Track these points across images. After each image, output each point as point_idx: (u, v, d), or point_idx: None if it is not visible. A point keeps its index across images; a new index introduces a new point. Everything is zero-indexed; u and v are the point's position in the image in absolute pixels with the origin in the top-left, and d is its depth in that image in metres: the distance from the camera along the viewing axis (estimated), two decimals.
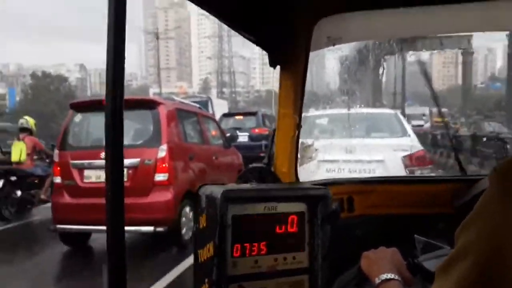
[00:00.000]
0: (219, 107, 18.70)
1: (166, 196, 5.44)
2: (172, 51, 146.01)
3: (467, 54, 51.92)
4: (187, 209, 5.83)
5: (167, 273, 4.88)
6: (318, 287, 1.08)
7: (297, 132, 1.58)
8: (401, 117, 6.47)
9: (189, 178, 5.92)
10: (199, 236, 0.99)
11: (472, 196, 1.45)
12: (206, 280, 0.95)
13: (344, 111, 6.30)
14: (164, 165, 5.44)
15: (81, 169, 5.60)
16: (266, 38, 1.50)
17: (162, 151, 5.46)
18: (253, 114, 14.77)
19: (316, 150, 5.77)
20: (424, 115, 35.16)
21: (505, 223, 0.63)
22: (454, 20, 1.70)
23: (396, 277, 1.01)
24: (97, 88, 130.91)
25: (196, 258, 0.99)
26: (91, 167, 5.56)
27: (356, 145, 5.38)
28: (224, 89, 72.94)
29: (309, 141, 5.88)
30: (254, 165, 1.46)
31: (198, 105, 7.77)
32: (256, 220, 1.01)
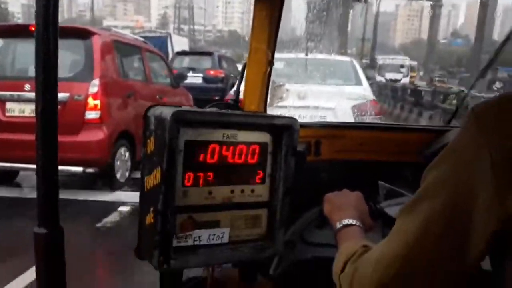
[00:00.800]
0: (179, 45, 17.78)
1: (97, 135, 4.99)
2: None
3: (437, 7, 51.13)
4: (122, 150, 5.43)
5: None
6: (277, 222, 1.03)
7: (269, 68, 1.50)
8: (357, 65, 6.39)
9: (126, 118, 5.47)
10: (146, 162, 0.90)
11: (440, 146, 1.39)
12: (152, 209, 0.88)
13: (301, 55, 6.40)
14: (95, 102, 4.94)
15: (2, 101, 5.03)
16: None
17: (94, 86, 4.95)
18: (209, 54, 13.93)
19: (287, 90, 5.29)
20: (402, 66, 32.81)
21: (477, 161, 0.63)
22: None
23: (357, 223, 0.98)
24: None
25: (142, 186, 0.92)
26: (14, 99, 4.99)
27: (309, 91, 5.27)
28: (183, 26, 68.96)
29: (280, 81, 5.50)
30: (221, 101, 1.42)
31: (143, 39, 7.11)
32: (213, 147, 0.92)
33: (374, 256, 0.73)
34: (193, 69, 12.58)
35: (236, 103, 1.34)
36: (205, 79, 12.54)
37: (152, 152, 0.89)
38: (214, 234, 0.95)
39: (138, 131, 5.68)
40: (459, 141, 0.67)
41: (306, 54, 6.50)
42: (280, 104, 4.90)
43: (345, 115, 5.16)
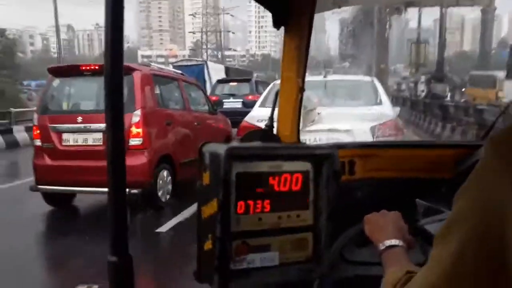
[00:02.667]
0: (215, 72, 18.57)
1: (140, 160, 5.50)
2: (165, 12, 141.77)
3: (489, 12, 45.08)
4: (164, 173, 5.91)
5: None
6: (322, 244, 1.07)
7: (300, 95, 1.56)
8: (378, 84, 6.22)
9: (166, 143, 5.97)
10: (202, 193, 0.96)
11: (474, 161, 1.42)
12: (210, 235, 0.93)
13: (320, 78, 6.35)
14: (138, 130, 5.48)
15: (59, 132, 5.67)
16: None
17: (136, 116, 5.49)
18: (247, 80, 14.83)
19: (318, 114, 5.37)
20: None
21: (500, 188, 0.64)
22: None
23: (401, 243, 1.00)
24: (85, 49, 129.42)
25: (199, 215, 0.97)
26: (69, 130, 5.62)
27: (325, 114, 5.15)
28: (217, 52, 69.65)
29: (311, 105, 5.32)
30: (257, 128, 1.47)
31: (194, 72, 7.69)
32: (260, 178, 0.98)
33: (418, 283, 0.75)
34: (233, 95, 13.26)
35: (270, 128, 1.40)
36: (244, 103, 13.20)
37: (208, 184, 0.94)
38: (265, 257, 1.00)
39: (178, 155, 6.17)
40: (480, 166, 0.68)
41: (325, 76, 6.38)
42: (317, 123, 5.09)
43: (363, 137, 4.99)
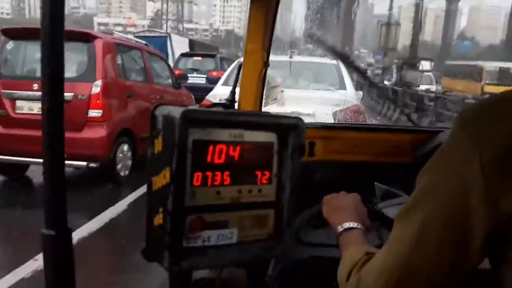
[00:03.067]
0: (179, 45, 18.13)
1: (99, 132, 5.29)
2: None
3: (453, 1, 44.21)
4: (124, 147, 5.73)
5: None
6: (283, 221, 1.01)
7: (264, 69, 1.52)
8: (342, 67, 6.10)
9: (127, 116, 5.77)
10: (153, 162, 0.88)
11: (432, 147, 1.43)
12: (161, 209, 0.85)
13: (285, 58, 5.91)
14: (98, 101, 5.25)
15: (13, 99, 5.35)
16: None
17: (97, 87, 5.25)
18: (212, 56, 14.47)
19: (282, 91, 5.19)
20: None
21: (466, 163, 0.64)
22: None
23: (359, 226, 0.99)
24: (37, 12, 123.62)
25: (149, 186, 0.89)
26: (24, 98, 5.31)
27: (287, 97, 5.11)
28: (179, 25, 66.56)
29: (276, 82, 5.37)
30: (217, 102, 1.37)
31: (157, 44, 7.42)
32: (220, 147, 0.89)
33: (376, 264, 0.74)
34: (197, 70, 12.98)
35: (231, 103, 1.34)
36: (208, 79, 12.92)
37: (160, 152, 0.86)
38: (223, 235, 0.93)
39: (138, 129, 6.00)
40: (448, 145, 0.68)
41: (290, 57, 5.99)
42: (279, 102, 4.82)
43: (325, 120, 4.96)
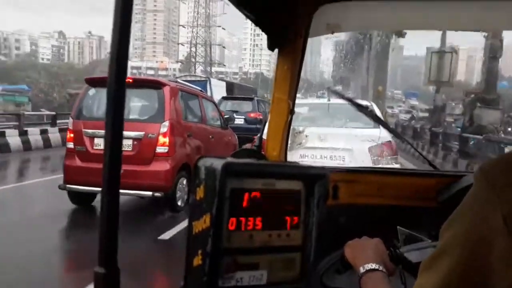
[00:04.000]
0: (217, 88, 19.40)
1: (165, 166, 6.16)
2: (160, 24, 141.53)
3: (496, 40, 42.15)
4: (184, 180, 6.58)
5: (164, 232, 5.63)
6: (309, 264, 1.06)
7: (289, 117, 1.59)
8: (375, 107, 6.87)
9: (187, 153, 6.64)
10: (195, 208, 0.95)
11: (456, 191, 1.43)
12: (200, 251, 0.92)
13: (323, 101, 7.14)
14: (165, 139, 6.14)
15: (92, 137, 6.31)
16: (267, 20, 1.49)
17: (164, 127, 6.16)
18: (250, 99, 15.87)
19: (306, 136, 6.10)
20: None
21: (489, 215, 0.64)
22: (455, 16, 1.68)
23: (381, 268, 1.01)
24: (75, 57, 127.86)
25: (190, 230, 0.96)
26: (101, 136, 6.26)
27: (329, 134, 5.93)
28: (208, 68, 68.01)
29: (300, 128, 6.25)
30: (246, 146, 1.86)
31: (198, 87, 8.41)
32: (254, 195, 0.97)
33: None
34: (236, 112, 14.09)
35: (259, 148, 1.42)
36: (246, 120, 14.22)
37: (201, 198, 0.93)
38: (254, 276, 0.98)
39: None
40: (470, 197, 0.69)
41: (328, 100, 6.75)
42: (303, 146, 5.95)
43: (362, 156, 5.66)
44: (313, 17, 1.53)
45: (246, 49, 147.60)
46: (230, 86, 23.67)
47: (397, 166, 6.08)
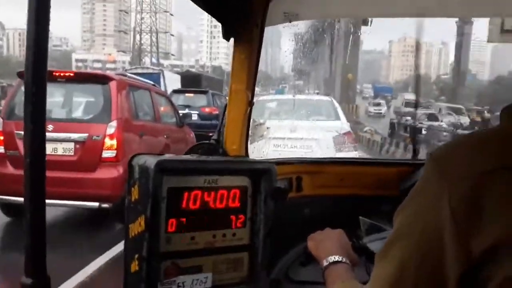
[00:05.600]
0: (171, 82, 18.61)
1: (113, 172, 5.52)
2: (111, 15, 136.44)
3: (466, 24, 43.05)
4: None
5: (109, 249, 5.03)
6: (258, 264, 1.06)
7: (249, 109, 1.56)
8: (336, 103, 7.96)
9: None
10: (130, 210, 0.94)
11: (417, 179, 1.63)
12: (136, 256, 0.91)
13: (289, 97, 8.37)
14: (112, 142, 5.51)
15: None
16: (220, 9, 1.45)
17: (111, 128, 5.52)
18: (204, 92, 14.93)
19: (267, 128, 6.79)
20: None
21: (438, 203, 0.66)
22: (419, 1, 1.67)
23: (344, 260, 1.02)
24: (15, 50, 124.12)
25: (126, 233, 0.94)
26: None
27: (298, 125, 6.72)
28: (163, 61, 66.23)
29: (260, 120, 6.90)
30: (204, 141, 1.52)
31: (149, 80, 7.77)
32: (195, 193, 0.96)
33: None
34: (189, 107, 13.40)
35: (218, 143, 1.42)
36: (200, 116, 13.38)
37: (136, 200, 0.92)
38: (198, 279, 0.97)
39: None
40: (421, 185, 0.71)
41: (294, 96, 8.36)
42: (274, 136, 6.79)
43: (328, 144, 6.58)
44: (269, 5, 1.49)
45: (203, 41, 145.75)
46: (196, 78, 22.99)
47: (356, 153, 6.97)
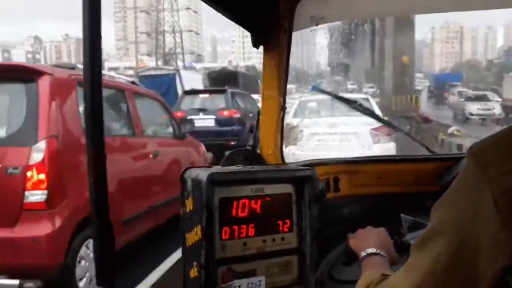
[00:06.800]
0: (191, 82, 16.35)
1: (43, 228, 3.35)
2: (142, 22, 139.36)
3: None
4: (85, 249, 3.68)
5: None
6: (307, 266, 1.13)
7: (281, 114, 1.62)
8: (372, 100, 8.97)
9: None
10: (186, 220, 1.02)
11: (456, 174, 1.19)
12: (195, 263, 0.99)
13: (327, 97, 9.19)
14: (40, 176, 3.34)
15: None
16: (248, 18, 1.50)
17: (38, 152, 3.36)
18: (222, 92, 11.97)
19: (301, 131, 7.53)
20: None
21: (479, 197, 0.67)
22: None
23: (382, 253, 1.08)
24: (53, 61, 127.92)
25: (184, 242, 1.02)
26: None
27: (336, 121, 7.63)
28: (195, 64, 62.64)
29: (294, 123, 7.69)
30: (240, 148, 1.48)
31: (130, 80, 5.63)
32: (244, 202, 1.03)
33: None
34: (204, 110, 11.05)
35: (254, 148, 1.48)
36: (218, 121, 10.96)
37: (191, 211, 1.00)
38: (252, 283, 1.04)
39: (119, 209, 4.06)
40: (461, 178, 0.72)
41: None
42: (317, 131, 7.77)
43: (366, 136, 7.37)
44: (296, 10, 1.55)
45: (235, 41, 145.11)
46: (233, 75, 20.90)
47: (393, 143, 7.39)
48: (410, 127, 12.39)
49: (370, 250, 1.07)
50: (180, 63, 55.84)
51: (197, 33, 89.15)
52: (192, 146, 6.34)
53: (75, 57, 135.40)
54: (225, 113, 11.02)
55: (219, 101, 11.43)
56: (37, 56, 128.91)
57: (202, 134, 8.32)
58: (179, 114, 10.84)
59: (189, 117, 10.81)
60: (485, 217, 0.65)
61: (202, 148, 6.83)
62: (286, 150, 8.46)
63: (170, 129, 5.82)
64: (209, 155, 7.07)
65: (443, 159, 1.81)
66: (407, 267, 0.78)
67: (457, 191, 0.72)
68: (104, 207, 0.88)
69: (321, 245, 1.18)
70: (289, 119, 7.78)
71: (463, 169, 0.71)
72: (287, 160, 1.69)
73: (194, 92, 12.82)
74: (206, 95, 12.09)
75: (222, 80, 18.66)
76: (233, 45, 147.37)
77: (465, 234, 0.68)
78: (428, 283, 0.72)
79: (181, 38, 62.25)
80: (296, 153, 7.22)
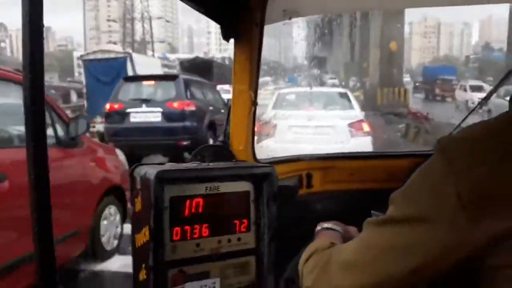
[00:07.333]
0: (146, 68, 14.07)
1: None
2: (115, 11, 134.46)
3: None
4: None
5: None
6: (265, 267, 1.10)
7: (253, 108, 1.61)
8: (350, 94, 9.12)
9: None
10: (135, 220, 0.99)
11: None
12: (144, 265, 0.95)
13: (307, 89, 10.31)
14: None
15: None
16: (218, 10, 1.47)
17: None
18: (172, 78, 9.72)
19: (274, 126, 7.70)
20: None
21: (443, 187, 0.69)
22: None
23: (337, 228, 1.12)
24: (19, 52, 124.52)
25: (133, 244, 0.98)
26: None
27: (315, 114, 8.06)
28: (169, 55, 57.64)
29: (266, 118, 7.97)
30: (211, 143, 1.75)
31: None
32: (197, 201, 0.99)
33: (341, 259, 0.84)
34: (148, 101, 8.84)
35: (226, 144, 1.48)
36: (165, 115, 8.78)
37: (140, 210, 0.96)
38: (206, 285, 1.01)
39: None
40: (425, 171, 0.75)
41: (311, 88, 10.61)
42: (296, 124, 7.75)
43: (343, 130, 7.60)
44: (268, 3, 1.54)
45: (211, 32, 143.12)
46: (206, 65, 19.39)
47: (369, 137, 7.65)
48: (407, 126, 11.14)
49: (326, 225, 1.14)
50: (149, 53, 52.66)
51: (167, 21, 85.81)
52: (95, 153, 4.28)
53: (45, 46, 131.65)
54: (175, 104, 8.80)
55: (169, 90, 9.16)
56: (2, 44, 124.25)
57: (145, 132, 7.00)
58: (116, 106, 8.82)
59: (128, 110, 8.76)
60: (446, 207, 0.67)
61: (121, 157, 4.85)
62: (263, 143, 7.15)
63: (49, 132, 3.75)
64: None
65: (416, 155, 1.85)
66: (361, 241, 0.82)
67: (420, 183, 0.74)
68: (46, 200, 0.73)
69: (293, 241, 1.22)
70: (267, 111, 8.18)
71: (428, 162, 0.74)
72: (260, 155, 1.66)
73: (136, 78, 10.67)
74: (152, 82, 9.66)
75: (195, 70, 16.65)
76: (209, 36, 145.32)
77: (425, 216, 0.70)
78: (383, 264, 0.75)
79: (150, 25, 58.68)
80: (272, 146, 7.03)
